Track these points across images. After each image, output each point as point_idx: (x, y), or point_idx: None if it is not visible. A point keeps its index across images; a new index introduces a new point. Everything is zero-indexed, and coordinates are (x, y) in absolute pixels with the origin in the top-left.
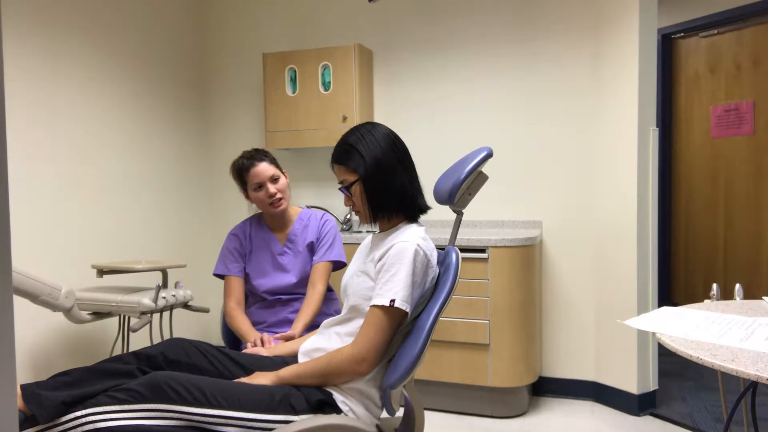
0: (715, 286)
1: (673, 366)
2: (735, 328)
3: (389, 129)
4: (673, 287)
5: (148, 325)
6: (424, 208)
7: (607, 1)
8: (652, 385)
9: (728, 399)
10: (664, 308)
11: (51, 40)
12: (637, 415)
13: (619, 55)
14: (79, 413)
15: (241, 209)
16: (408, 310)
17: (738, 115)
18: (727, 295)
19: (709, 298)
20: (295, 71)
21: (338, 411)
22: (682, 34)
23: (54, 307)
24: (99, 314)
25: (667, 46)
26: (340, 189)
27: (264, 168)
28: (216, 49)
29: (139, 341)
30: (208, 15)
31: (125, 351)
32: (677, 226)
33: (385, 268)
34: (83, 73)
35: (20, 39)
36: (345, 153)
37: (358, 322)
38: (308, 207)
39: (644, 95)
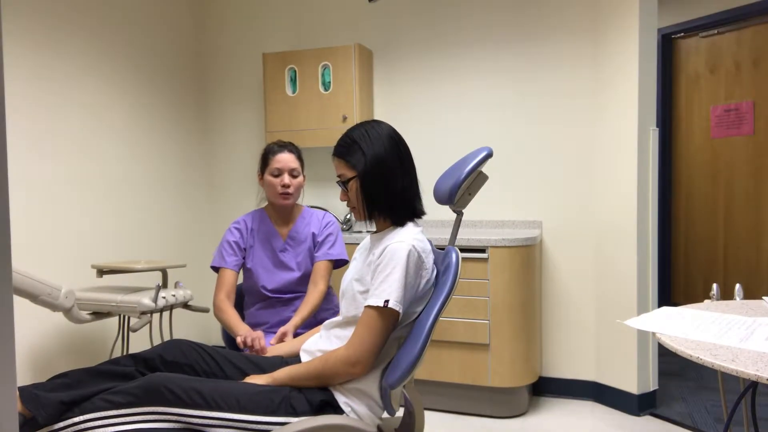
0: (715, 286)
1: (673, 366)
2: (735, 328)
3: (393, 129)
4: (673, 287)
5: (147, 325)
6: (419, 213)
7: (607, 1)
8: (652, 385)
9: (728, 399)
10: (664, 308)
11: (51, 39)
12: (637, 415)
13: (619, 55)
14: (77, 419)
15: (240, 209)
16: (401, 311)
17: (738, 115)
18: (727, 295)
19: (709, 298)
20: (295, 71)
21: (340, 412)
22: (682, 34)
23: (54, 307)
24: (99, 314)
25: (667, 46)
26: (337, 183)
27: (289, 158)
28: (216, 49)
29: (138, 341)
30: (208, 15)
31: (125, 351)
32: (677, 226)
33: (380, 269)
34: (83, 73)
35: (21, 39)
36: (346, 148)
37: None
38: (308, 207)
39: (644, 95)
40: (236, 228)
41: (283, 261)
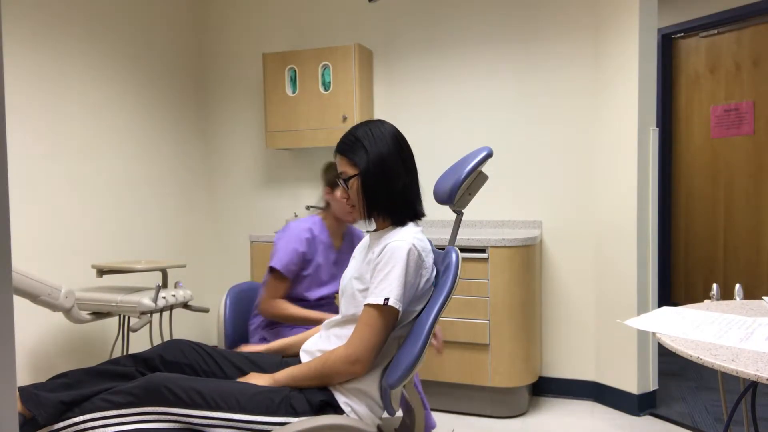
0: (715, 286)
1: (673, 366)
2: (735, 328)
3: (397, 129)
4: (673, 287)
5: (147, 325)
6: (419, 215)
7: (607, 1)
8: (652, 385)
9: (728, 399)
10: (664, 308)
11: (52, 40)
12: (637, 415)
13: (619, 55)
14: (77, 419)
15: (239, 209)
16: (400, 309)
17: (738, 115)
18: (727, 295)
19: (709, 298)
20: (295, 71)
21: (340, 412)
22: (682, 34)
23: (54, 307)
24: (99, 314)
25: (667, 46)
26: (338, 180)
27: None
28: (216, 49)
29: (138, 341)
30: (208, 15)
31: (125, 351)
32: (677, 226)
33: (380, 267)
34: (84, 73)
35: (22, 39)
36: (350, 145)
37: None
38: (308, 207)
39: (644, 95)
40: (307, 239)
41: (335, 274)
